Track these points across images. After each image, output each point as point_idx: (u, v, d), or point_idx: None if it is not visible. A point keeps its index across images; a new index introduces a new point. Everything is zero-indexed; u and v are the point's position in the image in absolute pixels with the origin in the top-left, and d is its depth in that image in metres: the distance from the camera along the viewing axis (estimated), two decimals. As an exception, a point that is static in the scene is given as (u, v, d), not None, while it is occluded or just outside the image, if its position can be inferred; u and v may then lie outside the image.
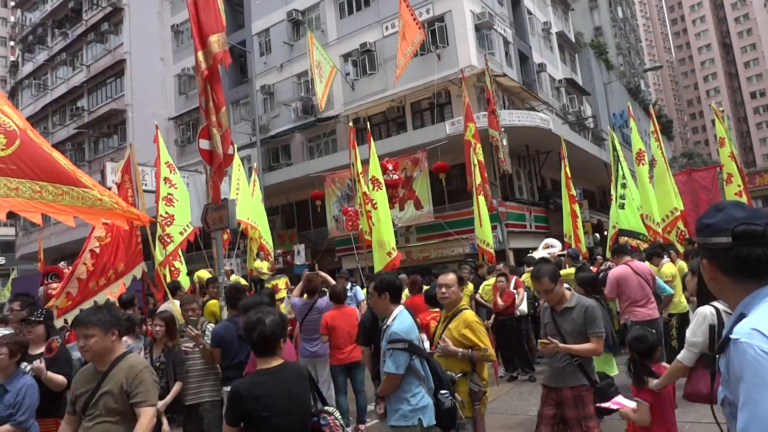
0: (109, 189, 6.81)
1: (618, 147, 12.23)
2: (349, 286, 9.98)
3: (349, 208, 17.51)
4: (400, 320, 3.60)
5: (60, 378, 4.26)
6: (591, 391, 3.75)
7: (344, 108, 23.00)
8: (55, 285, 8.45)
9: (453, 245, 18.97)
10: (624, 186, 11.39)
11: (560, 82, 29.31)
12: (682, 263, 8.01)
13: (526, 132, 19.10)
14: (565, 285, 5.81)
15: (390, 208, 11.48)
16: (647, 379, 3.45)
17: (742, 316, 1.37)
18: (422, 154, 18.44)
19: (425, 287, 7.59)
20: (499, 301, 8.35)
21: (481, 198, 11.68)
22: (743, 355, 1.26)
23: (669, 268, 7.37)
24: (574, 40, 33.58)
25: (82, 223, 5.09)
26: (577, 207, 13.94)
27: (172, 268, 8.29)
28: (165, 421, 4.83)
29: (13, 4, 45.46)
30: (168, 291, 7.25)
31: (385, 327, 3.67)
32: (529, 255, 11.46)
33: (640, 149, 11.28)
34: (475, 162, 12.06)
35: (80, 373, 3.19)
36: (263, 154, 24.25)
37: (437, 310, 5.63)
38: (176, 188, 8.85)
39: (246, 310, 4.19)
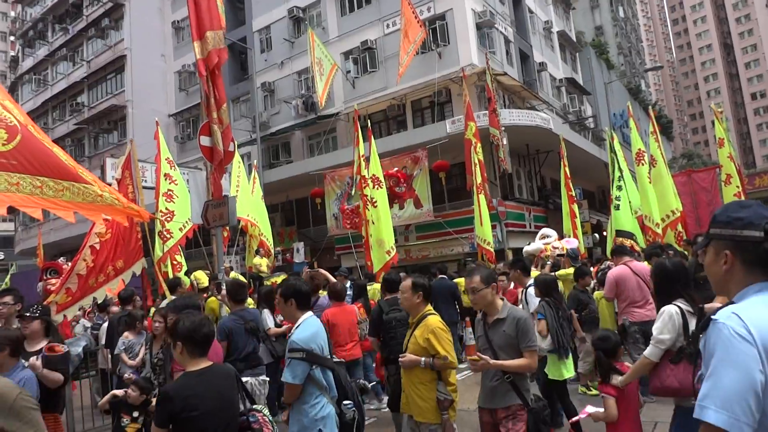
0: (109, 185, 6.82)
1: (618, 148, 12.25)
2: (348, 284, 10.00)
3: (347, 207, 17.51)
4: (302, 329, 3.49)
5: (56, 375, 4.25)
6: (525, 410, 3.45)
7: (344, 106, 22.99)
8: (54, 280, 8.46)
9: (452, 244, 18.98)
10: (620, 188, 11.44)
11: (561, 81, 29.30)
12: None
13: (526, 131, 19.10)
14: (531, 293, 5.79)
15: (390, 207, 11.50)
16: (612, 375, 3.67)
17: (730, 304, 1.51)
18: (422, 153, 18.44)
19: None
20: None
21: (482, 197, 11.69)
22: (718, 333, 1.41)
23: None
24: (575, 40, 33.57)
25: (81, 219, 5.07)
26: (576, 207, 13.97)
27: (174, 262, 8.32)
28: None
29: (13, -2, 45.39)
30: (168, 288, 7.28)
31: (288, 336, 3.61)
32: (526, 247, 11.48)
33: (639, 149, 11.29)
34: (476, 161, 12.07)
35: None
36: (263, 152, 24.24)
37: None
38: (176, 184, 8.87)
39: (178, 309, 4.23)
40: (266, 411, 3.06)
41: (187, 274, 9.31)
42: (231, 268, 11.36)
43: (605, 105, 31.21)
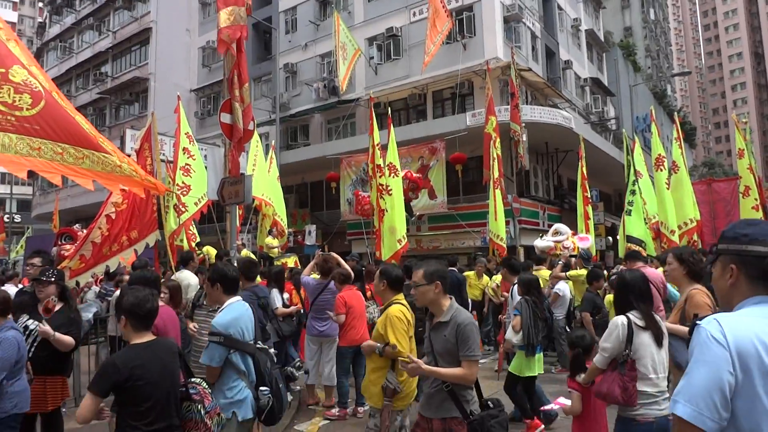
0: (128, 156, 6.88)
1: (638, 152, 12.08)
2: (357, 270, 10.02)
3: (361, 192, 17.51)
4: (224, 313, 3.58)
5: (68, 339, 4.31)
6: (464, 425, 3.16)
7: (366, 91, 22.88)
8: (68, 246, 8.58)
9: (464, 237, 18.93)
10: (633, 193, 11.32)
11: (585, 80, 28.93)
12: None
13: (546, 129, 18.92)
14: (516, 291, 5.88)
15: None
16: (579, 373, 3.91)
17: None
18: (440, 144, 18.36)
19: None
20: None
21: (498, 192, 11.62)
22: (698, 336, 1.56)
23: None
24: (602, 39, 33.07)
25: (99, 188, 5.12)
26: (590, 209, 13.85)
27: (189, 232, 8.38)
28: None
29: (44, -36, 45.63)
30: (180, 261, 7.33)
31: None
32: (537, 242, 11.41)
33: (659, 155, 11.14)
34: (494, 155, 11.99)
35: None
36: (281, 133, 24.27)
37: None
38: (194, 159, 8.93)
39: (133, 283, 4.29)
40: (205, 384, 3.18)
41: (199, 245, 9.41)
42: (243, 245, 11.46)
43: (629, 108, 30.80)
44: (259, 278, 7.37)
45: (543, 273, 9.68)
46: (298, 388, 7.17)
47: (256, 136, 10.66)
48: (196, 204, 8.64)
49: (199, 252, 8.76)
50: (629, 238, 10.93)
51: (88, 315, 7.18)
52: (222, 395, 3.45)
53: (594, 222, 19.47)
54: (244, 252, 10.61)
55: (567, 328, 8.63)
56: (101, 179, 4.89)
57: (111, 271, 7.33)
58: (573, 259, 9.74)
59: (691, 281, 4.03)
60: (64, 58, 36.82)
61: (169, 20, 30.31)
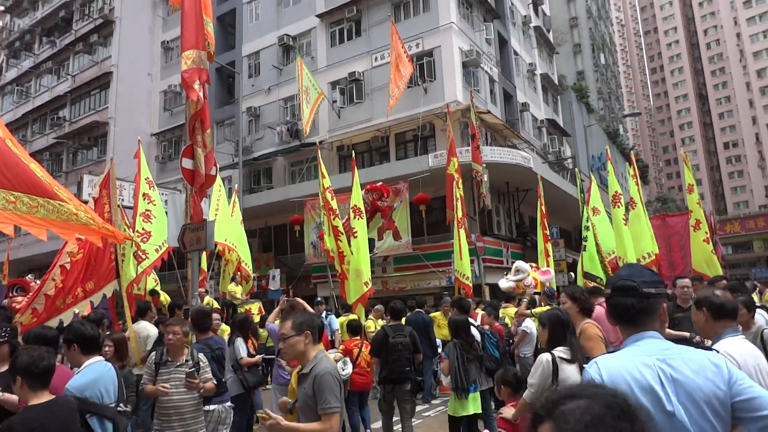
0: (86, 203, 6.69)
1: (595, 189, 12.44)
2: (324, 315, 9.89)
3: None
4: (80, 375, 3.41)
5: (12, 398, 4.07)
6: None
7: (329, 135, 23.11)
8: (20, 298, 8.21)
9: (430, 277, 18.96)
10: (587, 229, 11.63)
11: (542, 122, 29.93)
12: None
13: (506, 169, 19.37)
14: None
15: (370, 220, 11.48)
16: (504, 409, 4.15)
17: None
18: (404, 185, 18.54)
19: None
20: None
21: (462, 231, 11.73)
22: (584, 378, 1.81)
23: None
24: (557, 83, 34.44)
25: (53, 236, 4.96)
26: (550, 246, 14.10)
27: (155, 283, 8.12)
28: None
29: (2, 8, 45.14)
30: (138, 311, 7.09)
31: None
32: (501, 284, 11.51)
33: (616, 192, 11.48)
34: (457, 196, 12.15)
35: None
36: (245, 176, 24.14)
37: (358, 338, 7.29)
38: (155, 205, 8.76)
39: (30, 341, 4.09)
40: None
41: (152, 293, 9.11)
42: (206, 292, 11.17)
43: (584, 147, 31.90)
44: (225, 326, 7.17)
45: (510, 311, 9.73)
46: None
47: (218, 181, 10.56)
48: (156, 251, 8.43)
49: (148, 299, 8.50)
50: (586, 275, 11.18)
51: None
52: None
53: (556, 258, 19.84)
54: (207, 299, 10.35)
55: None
56: (56, 228, 4.74)
57: (65, 325, 7.01)
58: (537, 297, 9.83)
59: (583, 317, 4.37)
60: (21, 102, 36.09)
61: (130, 64, 30.18)
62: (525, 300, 9.49)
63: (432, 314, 10.74)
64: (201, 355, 4.66)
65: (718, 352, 1.98)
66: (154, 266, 8.49)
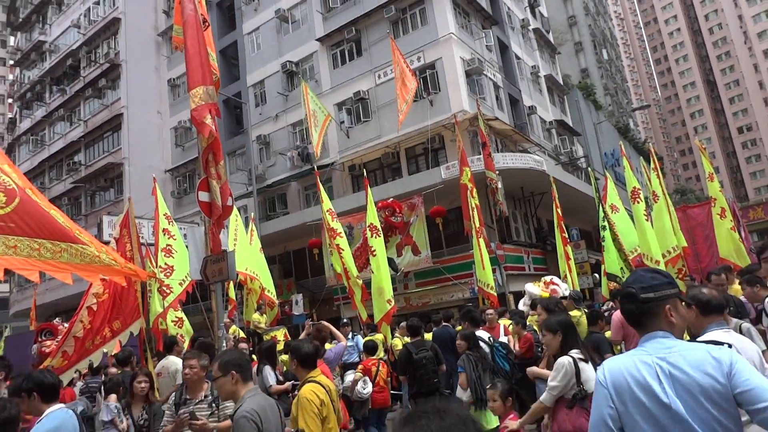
0: (107, 243, 6.78)
1: (613, 187, 12.31)
2: (350, 335, 9.85)
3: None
4: (42, 424, 3.29)
5: None
6: None
7: (340, 155, 23.24)
8: (49, 342, 8.30)
9: (452, 290, 18.83)
10: (603, 228, 11.46)
11: (551, 123, 29.81)
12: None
13: (519, 174, 19.28)
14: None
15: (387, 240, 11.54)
16: (506, 419, 4.17)
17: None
18: (418, 199, 18.52)
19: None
20: (516, 347, 8.02)
21: (482, 241, 11.65)
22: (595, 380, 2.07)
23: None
24: (562, 83, 34.35)
25: (78, 279, 5.03)
26: (569, 249, 13.91)
27: (174, 319, 8.18)
28: None
29: (12, 62, 46.40)
30: (165, 346, 7.11)
31: None
32: (529, 289, 11.34)
33: (635, 187, 11.31)
34: (473, 205, 12.10)
35: None
36: (260, 204, 24.33)
37: (375, 357, 7.77)
38: (175, 239, 8.85)
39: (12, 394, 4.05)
40: None
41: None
42: (232, 321, 11.20)
43: (596, 145, 31.69)
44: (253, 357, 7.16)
45: (535, 319, 9.60)
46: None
47: (235, 211, 10.64)
48: (180, 284, 8.49)
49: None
50: (609, 276, 11.02)
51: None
52: None
53: (578, 260, 19.59)
54: (233, 328, 10.37)
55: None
56: (80, 271, 4.81)
57: (95, 365, 7.07)
58: (564, 301, 9.68)
59: None
60: (36, 150, 36.89)
61: (139, 104, 30.75)
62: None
63: (457, 328, 10.64)
64: None
65: (730, 346, 2.04)
66: (179, 300, 8.54)
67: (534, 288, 11.18)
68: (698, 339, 2.96)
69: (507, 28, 27.51)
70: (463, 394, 5.78)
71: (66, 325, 7.64)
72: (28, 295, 31.60)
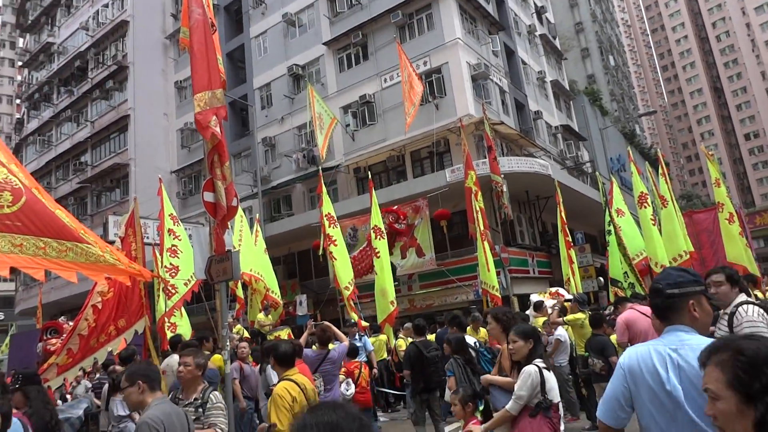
0: (112, 243, 6.82)
1: (618, 191, 12.28)
2: (357, 336, 9.88)
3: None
4: None
5: None
6: None
7: (345, 158, 23.29)
8: (54, 340, 8.35)
9: (456, 292, 18.81)
10: (609, 233, 11.44)
11: (557, 128, 29.77)
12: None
13: (525, 178, 19.26)
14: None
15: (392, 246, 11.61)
16: (469, 424, 4.17)
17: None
18: (423, 202, 18.53)
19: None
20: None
21: (486, 244, 11.64)
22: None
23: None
24: (568, 88, 34.31)
25: (83, 278, 5.07)
26: (573, 253, 13.91)
27: (168, 324, 8.16)
28: None
29: (20, 64, 46.73)
30: (170, 345, 7.14)
31: None
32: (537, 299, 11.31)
33: (642, 192, 11.29)
34: (477, 209, 12.09)
35: None
36: (264, 205, 24.39)
37: (357, 360, 8.05)
38: (180, 240, 8.89)
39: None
40: None
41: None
42: (237, 321, 11.25)
43: (602, 150, 31.62)
44: (217, 356, 7.01)
45: (539, 321, 9.59)
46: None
47: (240, 212, 10.69)
48: (185, 284, 8.53)
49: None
50: (611, 281, 11.01)
51: (78, 412, 6.89)
52: None
53: (582, 264, 19.53)
54: (237, 327, 10.41)
55: (571, 374, 8.47)
56: (85, 270, 4.84)
57: (102, 362, 7.11)
58: (568, 304, 9.66)
59: (507, 336, 4.51)
60: (43, 151, 37.12)
61: (146, 106, 30.91)
62: (556, 308, 9.34)
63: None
64: (216, 394, 4.01)
65: None
66: (184, 300, 8.58)
67: (539, 298, 11.17)
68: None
69: (513, 34, 27.53)
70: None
71: (71, 323, 7.69)
72: (33, 294, 31.75)
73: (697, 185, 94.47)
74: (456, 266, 18.79)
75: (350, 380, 7.41)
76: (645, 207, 11.04)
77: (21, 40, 49.59)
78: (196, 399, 3.93)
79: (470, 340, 6.80)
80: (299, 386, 3.87)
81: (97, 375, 8.08)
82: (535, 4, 32.05)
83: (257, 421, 6.74)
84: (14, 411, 3.46)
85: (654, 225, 10.78)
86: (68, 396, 9.44)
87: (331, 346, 7.41)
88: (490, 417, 4.29)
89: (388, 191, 19.94)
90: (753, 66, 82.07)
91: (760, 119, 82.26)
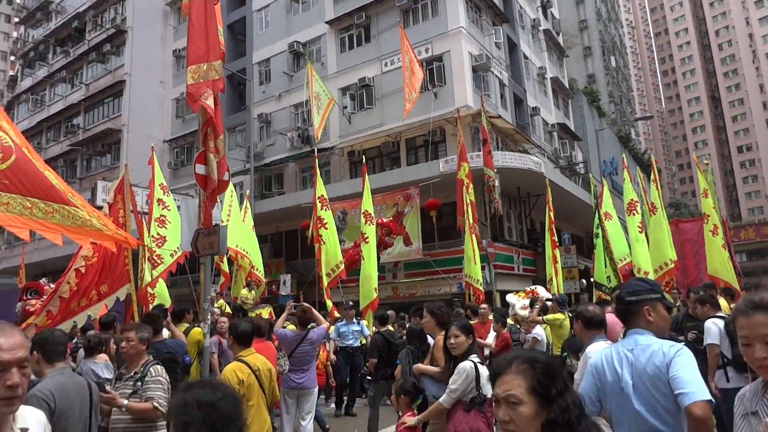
0: (100, 208, 6.77)
1: (608, 195, 12.35)
2: (356, 320, 9.95)
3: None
4: None
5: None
6: None
7: (340, 140, 23.20)
8: (33, 301, 8.28)
9: (440, 283, 18.91)
10: (596, 236, 11.52)
11: (553, 126, 29.81)
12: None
13: (517, 174, 19.30)
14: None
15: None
16: (405, 416, 4.29)
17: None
18: (414, 191, 18.53)
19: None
20: (493, 345, 7.93)
21: (473, 237, 11.69)
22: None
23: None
24: (567, 86, 34.30)
25: (67, 241, 5.04)
26: (558, 253, 13.98)
27: (150, 293, 8.11)
28: None
29: (17, 20, 45.88)
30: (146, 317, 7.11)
31: None
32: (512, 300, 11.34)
33: (632, 199, 11.31)
34: (468, 201, 12.12)
35: None
36: (256, 182, 24.27)
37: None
38: (169, 210, 8.85)
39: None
40: None
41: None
42: (220, 295, 11.25)
43: (596, 151, 31.74)
44: (197, 329, 6.97)
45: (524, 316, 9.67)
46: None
47: (230, 187, 10.64)
48: (171, 255, 8.51)
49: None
50: (595, 284, 11.11)
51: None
52: None
53: (567, 265, 19.69)
54: (220, 302, 10.41)
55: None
56: (71, 233, 4.81)
57: (80, 326, 7.09)
58: (549, 303, 9.75)
59: (441, 329, 4.74)
60: (36, 110, 36.61)
61: (142, 73, 30.52)
62: (537, 306, 9.43)
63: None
64: (157, 368, 3.89)
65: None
66: (169, 270, 8.56)
67: (514, 298, 11.16)
68: (586, 348, 3.68)
69: (517, 27, 27.41)
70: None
71: (52, 285, 7.65)
72: (16, 253, 31.53)
73: (686, 194, 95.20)
74: (442, 257, 18.86)
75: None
76: (634, 214, 11.10)
77: (19, -5, 48.59)
78: (135, 373, 3.87)
79: None
80: (251, 368, 3.89)
81: (75, 339, 8.05)
82: (541, -1, 31.91)
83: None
84: None
85: (641, 233, 10.84)
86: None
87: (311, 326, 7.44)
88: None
89: (381, 177, 19.90)
90: (752, 77, 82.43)
91: (754, 132, 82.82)
